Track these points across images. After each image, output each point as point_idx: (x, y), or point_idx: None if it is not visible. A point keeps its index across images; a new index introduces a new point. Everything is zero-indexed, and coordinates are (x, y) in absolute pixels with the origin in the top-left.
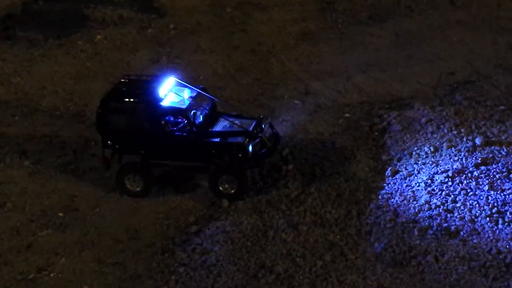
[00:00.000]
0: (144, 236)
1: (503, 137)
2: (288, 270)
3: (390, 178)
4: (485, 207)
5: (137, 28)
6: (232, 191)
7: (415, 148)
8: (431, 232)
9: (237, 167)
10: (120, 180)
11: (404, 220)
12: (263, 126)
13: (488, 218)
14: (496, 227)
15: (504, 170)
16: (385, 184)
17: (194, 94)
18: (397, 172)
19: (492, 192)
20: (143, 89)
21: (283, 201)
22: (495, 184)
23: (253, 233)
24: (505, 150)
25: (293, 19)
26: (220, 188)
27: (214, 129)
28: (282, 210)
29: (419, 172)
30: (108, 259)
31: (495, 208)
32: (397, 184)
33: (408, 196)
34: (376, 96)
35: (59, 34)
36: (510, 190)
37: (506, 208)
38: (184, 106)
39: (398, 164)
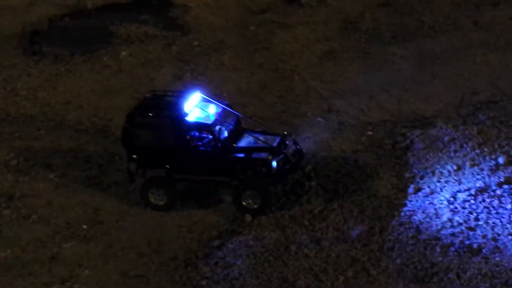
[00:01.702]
0: (167, 250)
1: None
2: (310, 285)
3: (413, 195)
4: (508, 225)
5: (161, 45)
6: (255, 206)
7: (438, 166)
8: (453, 249)
9: (261, 183)
10: (144, 194)
11: (426, 237)
12: (287, 142)
13: (510, 236)
14: None
15: None
16: (407, 201)
17: (219, 110)
18: (419, 189)
19: None
20: (169, 105)
21: (306, 216)
22: None
23: (276, 247)
24: None
25: (316, 38)
26: (244, 203)
27: (238, 145)
28: (305, 225)
29: (441, 190)
30: (131, 272)
31: None
32: (419, 201)
33: (431, 213)
34: (399, 115)
35: (84, 50)
36: None
37: None
38: (209, 122)
39: (421, 181)
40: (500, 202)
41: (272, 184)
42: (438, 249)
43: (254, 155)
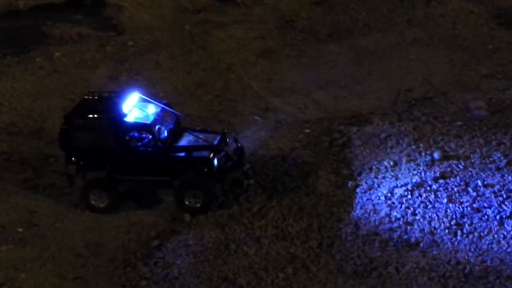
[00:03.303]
0: (106, 251)
1: (460, 152)
2: (251, 283)
3: (351, 192)
4: (444, 219)
5: (95, 46)
6: (198, 205)
7: (375, 163)
8: (392, 244)
9: (203, 182)
10: (85, 197)
11: (365, 232)
12: (227, 140)
13: (447, 230)
14: (455, 239)
15: (461, 183)
16: (345, 198)
17: (158, 109)
18: (357, 186)
19: (450, 205)
20: (107, 105)
21: (245, 215)
22: (453, 197)
23: (215, 246)
24: (462, 164)
25: (252, 36)
26: (186, 202)
27: (178, 144)
28: (244, 224)
29: (379, 186)
30: (69, 274)
31: (454, 220)
32: (357, 197)
33: (369, 209)
34: (335, 112)
35: (17, 51)
36: (468, 203)
37: (464, 220)
38: (148, 122)
39: (359, 178)
40: (436, 196)
41: (214, 182)
42: (376, 244)
43: (195, 154)
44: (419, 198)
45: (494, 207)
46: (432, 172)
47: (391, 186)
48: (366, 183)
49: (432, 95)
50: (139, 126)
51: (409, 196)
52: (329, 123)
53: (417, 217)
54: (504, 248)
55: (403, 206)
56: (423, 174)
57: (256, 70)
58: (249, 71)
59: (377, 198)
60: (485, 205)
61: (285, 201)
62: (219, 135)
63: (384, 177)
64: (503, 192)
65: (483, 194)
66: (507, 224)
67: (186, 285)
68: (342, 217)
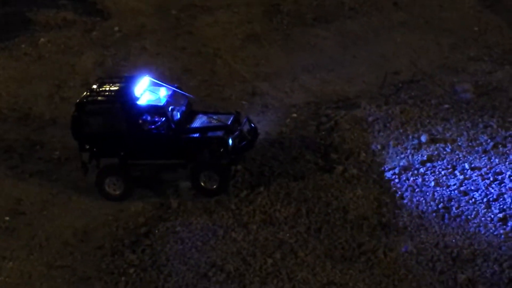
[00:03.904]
0: (93, 239)
1: (447, 135)
2: (239, 269)
3: (339, 176)
4: (432, 202)
5: (81, 31)
6: (214, 187)
7: (363, 146)
8: (380, 228)
9: (218, 162)
10: (99, 184)
11: (353, 217)
12: (241, 120)
13: (434, 214)
14: (442, 222)
15: (449, 166)
16: (333, 182)
17: (170, 92)
18: (345, 170)
19: (438, 188)
20: (119, 90)
21: (233, 200)
22: (440, 181)
23: (203, 232)
24: (449, 147)
25: (238, 21)
26: (202, 184)
27: (192, 126)
28: (232, 209)
29: (367, 170)
30: (57, 262)
31: (441, 203)
32: (345, 182)
33: (357, 193)
34: (322, 96)
35: (2, 38)
36: (455, 186)
37: (452, 203)
38: (161, 104)
39: (346, 162)
40: (424, 180)
41: (230, 162)
42: (365, 228)
43: (210, 134)
44: (407, 181)
45: (481, 190)
46: (420, 155)
47: (379, 170)
48: (354, 167)
49: (419, 78)
50: (152, 109)
51: (397, 180)
52: (316, 107)
53: (405, 201)
54: (491, 231)
55: (391, 190)
56: (410, 157)
57: (242, 55)
58: (235, 55)
59: (365, 182)
60: (472, 188)
61: (272, 187)
62: (232, 115)
63: (372, 161)
64: (490, 175)
65: (470, 177)
66: (494, 207)
67: (174, 272)
68: (330, 202)
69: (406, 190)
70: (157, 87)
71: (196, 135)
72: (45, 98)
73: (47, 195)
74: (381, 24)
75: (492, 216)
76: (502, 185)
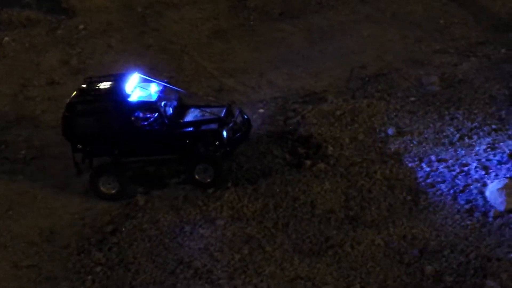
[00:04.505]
0: (59, 238)
1: (414, 127)
2: (207, 265)
3: (307, 170)
4: (399, 195)
5: (46, 30)
6: (209, 180)
7: (331, 140)
8: (348, 222)
9: (212, 155)
10: (94, 184)
11: (321, 211)
12: (233, 112)
13: (402, 206)
14: (409, 215)
15: (416, 159)
16: (301, 177)
17: (161, 88)
18: (313, 164)
19: (405, 181)
20: (109, 88)
21: (200, 197)
22: (408, 173)
23: (170, 229)
24: (416, 139)
25: (204, 17)
26: (197, 177)
27: (185, 120)
28: (199, 206)
29: (334, 164)
30: (23, 262)
31: (409, 196)
32: (313, 176)
33: (325, 187)
34: (289, 91)
35: None
36: (422, 178)
37: (419, 195)
38: (153, 100)
39: (314, 157)
40: (391, 173)
41: (224, 155)
42: (332, 222)
43: (203, 127)
44: (374, 175)
45: (448, 182)
46: (387, 148)
47: (347, 164)
48: (321, 161)
49: (385, 71)
50: (145, 105)
51: (364, 173)
52: (283, 102)
53: (372, 194)
54: (458, 222)
55: (358, 183)
56: (378, 150)
57: (209, 51)
58: (202, 52)
59: (333, 176)
60: (439, 180)
61: (240, 182)
62: (225, 108)
63: (339, 155)
64: (456, 167)
65: (437, 169)
66: (460, 199)
67: (141, 270)
68: (297, 197)
69: (374, 183)
70: (147, 84)
71: (190, 129)
72: (10, 97)
73: (12, 195)
74: (348, 19)
75: (459, 207)
76: (468, 176)
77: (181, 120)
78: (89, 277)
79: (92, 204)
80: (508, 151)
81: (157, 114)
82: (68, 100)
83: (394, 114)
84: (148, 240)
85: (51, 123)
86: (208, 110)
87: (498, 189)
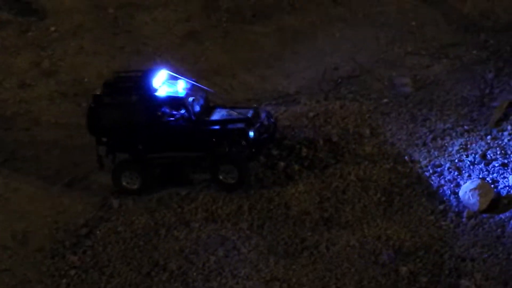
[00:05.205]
0: (33, 241)
1: (387, 129)
2: (182, 267)
3: (281, 172)
4: (374, 196)
5: (17, 31)
6: (233, 181)
7: (305, 142)
8: (323, 223)
9: (237, 156)
10: (116, 179)
11: (295, 213)
12: (260, 114)
13: (377, 207)
14: (384, 216)
15: (389, 160)
16: (275, 179)
17: (188, 85)
18: (287, 166)
19: (379, 182)
20: (136, 82)
21: (174, 199)
22: (382, 174)
23: (145, 232)
24: (389, 141)
25: (177, 18)
26: (221, 177)
27: (212, 118)
28: (174, 208)
29: (309, 166)
30: None
31: (384, 197)
32: (288, 178)
33: (299, 189)
34: (262, 93)
35: None
36: (396, 180)
37: (393, 196)
38: (181, 96)
39: (288, 158)
40: (365, 174)
41: (250, 157)
42: (307, 224)
43: (230, 126)
44: (349, 176)
45: (422, 183)
46: (360, 150)
47: (321, 166)
48: (296, 163)
49: (358, 73)
50: (173, 100)
51: (339, 175)
52: (256, 104)
53: (347, 195)
54: (432, 223)
55: (333, 185)
56: (351, 152)
57: (181, 53)
58: (174, 53)
59: (307, 177)
60: (413, 181)
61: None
62: (252, 109)
63: (313, 156)
64: (429, 168)
65: (411, 170)
66: (434, 200)
67: (116, 273)
68: (272, 198)
69: (348, 184)
70: (175, 80)
71: (217, 127)
72: None
73: None
74: (320, 20)
75: (433, 208)
76: (442, 177)
77: (208, 118)
78: (64, 280)
79: (66, 207)
80: (481, 152)
81: (184, 110)
82: (95, 92)
83: (367, 115)
84: (122, 243)
85: (23, 125)
86: (235, 110)
87: (471, 190)
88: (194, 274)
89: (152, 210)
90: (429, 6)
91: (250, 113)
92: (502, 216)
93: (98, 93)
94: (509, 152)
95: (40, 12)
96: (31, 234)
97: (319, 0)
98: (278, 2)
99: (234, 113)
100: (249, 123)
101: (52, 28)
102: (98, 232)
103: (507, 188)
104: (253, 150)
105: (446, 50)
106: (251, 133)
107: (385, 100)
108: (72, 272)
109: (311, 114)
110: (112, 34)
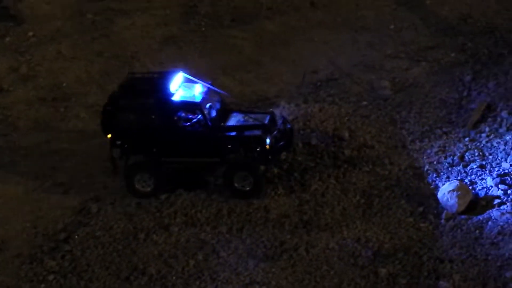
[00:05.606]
0: (11, 247)
1: (367, 131)
2: (161, 271)
3: (260, 175)
4: (353, 199)
5: None
6: (248, 189)
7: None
8: (302, 226)
9: (253, 163)
10: (129, 181)
11: (275, 216)
12: (277, 120)
13: (356, 210)
14: (364, 218)
15: (369, 162)
16: None
17: (205, 89)
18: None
19: (359, 184)
20: (153, 85)
21: (153, 203)
22: (361, 176)
23: (124, 236)
24: (369, 143)
25: (156, 23)
26: (236, 184)
27: (228, 124)
28: (153, 212)
29: (288, 169)
30: None
31: (363, 199)
32: (266, 181)
33: (278, 192)
34: (242, 97)
35: None
36: (375, 182)
37: (373, 199)
38: (197, 100)
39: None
40: (344, 176)
41: (265, 164)
42: (287, 227)
43: (246, 133)
44: (328, 179)
45: (401, 185)
46: (340, 152)
47: (300, 169)
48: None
49: (337, 76)
50: (189, 105)
51: (318, 177)
52: (236, 108)
53: (326, 198)
54: (411, 224)
55: (312, 187)
56: (331, 155)
57: (160, 57)
58: (153, 58)
59: (287, 180)
60: (392, 183)
61: (193, 188)
62: (268, 115)
63: (293, 159)
64: (408, 170)
65: (390, 172)
66: (413, 201)
67: (95, 277)
68: (251, 201)
69: (327, 187)
70: (191, 84)
71: (233, 133)
72: None
73: None
74: (299, 24)
75: (412, 210)
76: (420, 179)
77: (224, 124)
78: (42, 285)
79: (44, 212)
80: (459, 154)
81: (200, 115)
82: (110, 94)
83: (347, 118)
84: (101, 247)
85: (1, 131)
86: (251, 116)
87: (449, 191)
88: (174, 278)
89: (131, 214)
90: (408, 10)
91: (267, 119)
92: (480, 217)
93: (113, 94)
94: (487, 154)
95: (18, 17)
96: (9, 239)
97: (298, 4)
98: (256, 6)
99: (251, 119)
100: (266, 130)
101: (30, 33)
102: (76, 236)
103: (485, 189)
104: (270, 157)
105: (425, 53)
106: (268, 140)
107: (364, 103)
108: (51, 277)
109: (290, 118)
110: (90, 39)
